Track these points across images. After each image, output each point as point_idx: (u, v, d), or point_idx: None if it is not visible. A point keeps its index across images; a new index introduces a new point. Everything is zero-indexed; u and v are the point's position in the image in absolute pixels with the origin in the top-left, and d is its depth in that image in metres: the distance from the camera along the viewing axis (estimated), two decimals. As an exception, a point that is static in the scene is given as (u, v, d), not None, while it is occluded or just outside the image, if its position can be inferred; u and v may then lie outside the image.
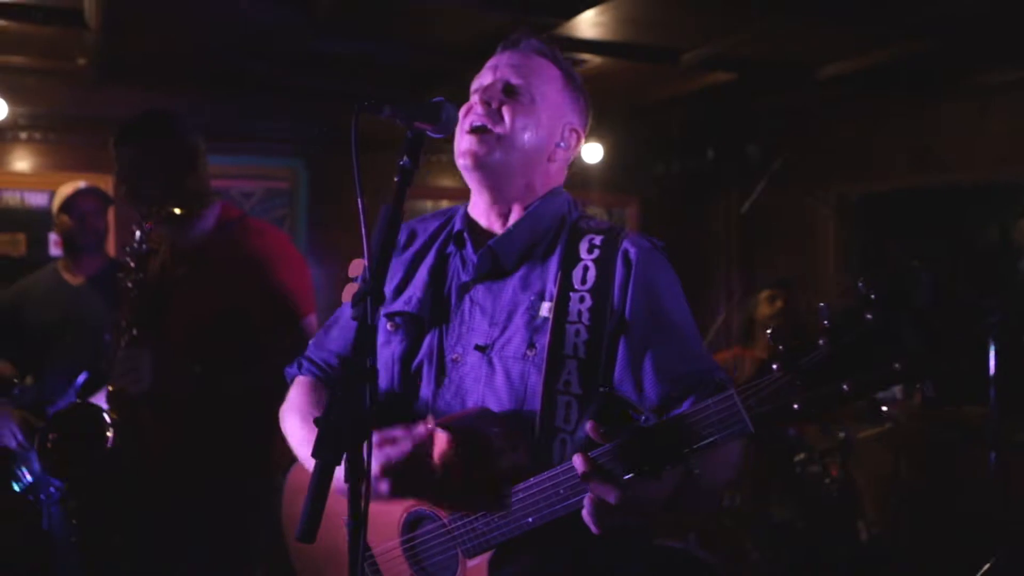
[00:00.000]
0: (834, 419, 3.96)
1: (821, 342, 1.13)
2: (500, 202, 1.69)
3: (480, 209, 1.72)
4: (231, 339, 2.48)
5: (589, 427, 1.31)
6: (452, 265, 1.72)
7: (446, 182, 6.12)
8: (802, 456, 3.90)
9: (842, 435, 3.89)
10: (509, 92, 1.66)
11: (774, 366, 1.16)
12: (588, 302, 1.55)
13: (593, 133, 5.46)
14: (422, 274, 1.72)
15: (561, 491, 1.36)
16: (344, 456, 1.29)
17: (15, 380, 2.45)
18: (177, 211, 2.48)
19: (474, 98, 1.67)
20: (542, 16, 3.93)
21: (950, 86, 5.01)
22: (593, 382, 1.52)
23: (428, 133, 1.56)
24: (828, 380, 1.12)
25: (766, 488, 4.00)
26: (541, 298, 1.59)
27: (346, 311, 1.84)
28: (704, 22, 4.21)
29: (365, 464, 1.30)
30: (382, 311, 1.72)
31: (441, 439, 1.48)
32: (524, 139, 1.64)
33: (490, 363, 1.58)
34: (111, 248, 4.34)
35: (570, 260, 1.60)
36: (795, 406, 1.16)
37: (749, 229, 6.28)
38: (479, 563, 1.47)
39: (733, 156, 5.67)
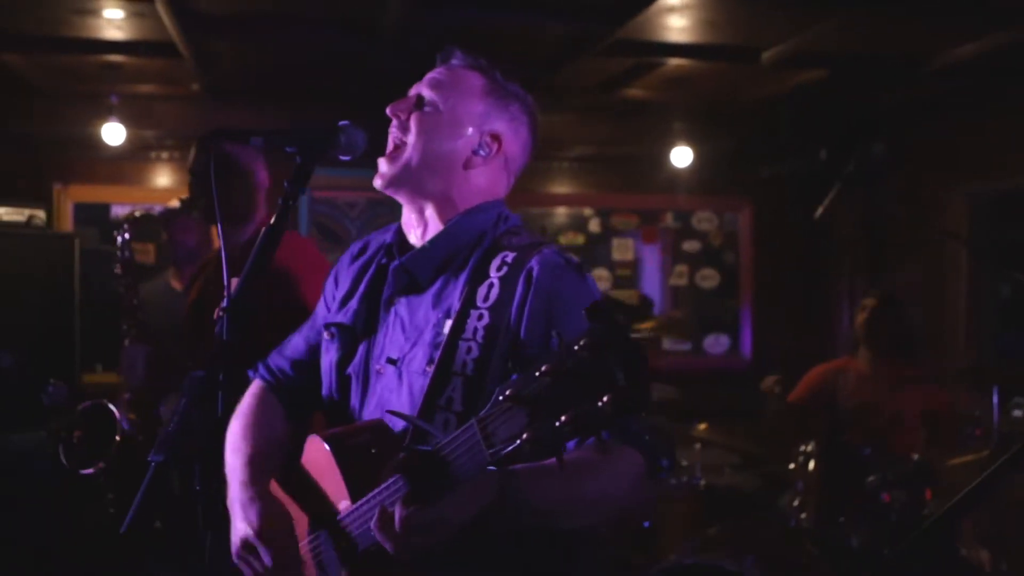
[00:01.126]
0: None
1: (539, 371, 1.11)
2: (419, 212, 1.70)
3: (407, 221, 1.74)
4: (250, 344, 2.65)
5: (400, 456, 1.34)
6: (385, 278, 1.75)
7: (559, 188, 6.17)
8: (873, 478, 3.64)
9: (916, 457, 3.60)
10: (419, 103, 1.68)
11: (500, 395, 1.14)
12: (485, 319, 1.53)
13: (682, 136, 5.38)
14: (362, 287, 1.77)
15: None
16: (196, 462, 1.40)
17: (51, 380, 2.74)
18: (138, 215, 2.65)
19: (388, 111, 1.71)
20: (598, 23, 3.91)
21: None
22: (478, 400, 1.49)
23: (339, 156, 1.63)
24: (548, 413, 1.10)
25: (834, 509, 3.76)
26: (447, 315, 1.59)
27: (314, 322, 1.90)
28: (783, 19, 4.03)
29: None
30: (327, 320, 1.80)
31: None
32: (430, 147, 1.65)
33: (399, 376, 1.62)
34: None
35: (478, 277, 1.59)
36: (522, 438, 1.12)
37: (875, 231, 5.90)
38: (347, 571, 1.52)
39: (848, 155, 5.35)
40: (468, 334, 1.52)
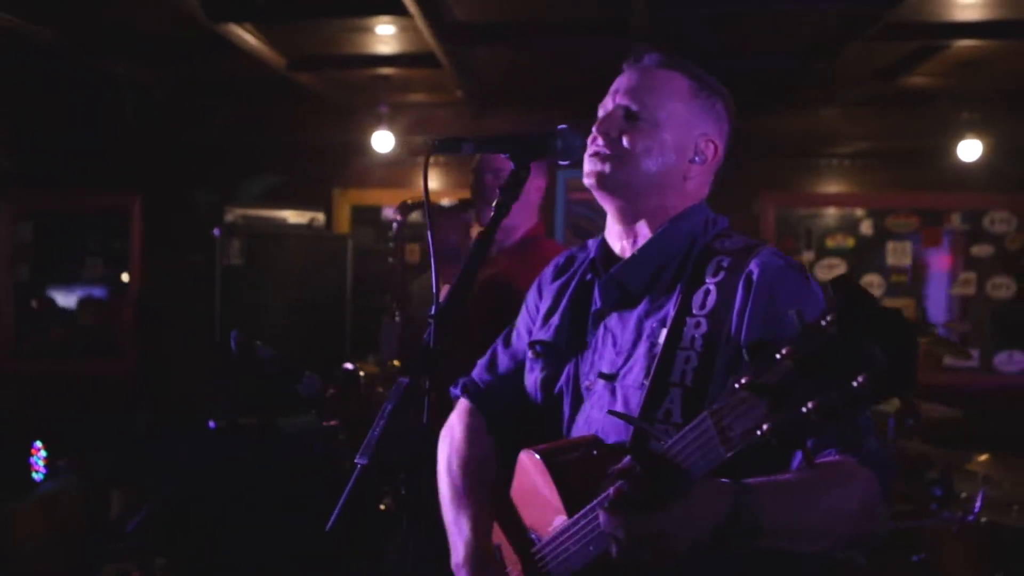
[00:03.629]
0: None
1: (780, 355, 1.01)
2: (629, 224, 1.64)
3: (613, 233, 1.69)
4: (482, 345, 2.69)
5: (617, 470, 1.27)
6: (590, 294, 1.71)
7: (828, 188, 5.76)
8: None
9: None
10: (630, 117, 1.61)
11: (735, 384, 1.05)
12: (703, 328, 1.47)
13: (971, 126, 4.83)
14: (564, 303, 1.75)
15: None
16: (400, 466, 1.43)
17: (306, 371, 2.91)
18: (411, 202, 2.81)
19: (595, 129, 1.63)
20: (872, 2, 3.56)
21: None
22: (698, 411, 1.42)
23: (559, 163, 1.60)
24: (792, 400, 0.99)
25: None
26: (662, 324, 1.53)
27: (519, 337, 1.88)
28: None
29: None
30: (532, 337, 1.78)
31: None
32: (649, 164, 1.59)
33: (612, 392, 1.57)
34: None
35: (693, 284, 1.53)
36: (762, 429, 1.03)
37: None
38: None
39: None
40: (686, 343, 1.46)
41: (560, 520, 1.46)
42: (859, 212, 5.71)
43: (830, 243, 5.72)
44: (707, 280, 1.51)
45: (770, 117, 5.41)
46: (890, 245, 5.68)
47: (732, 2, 3.48)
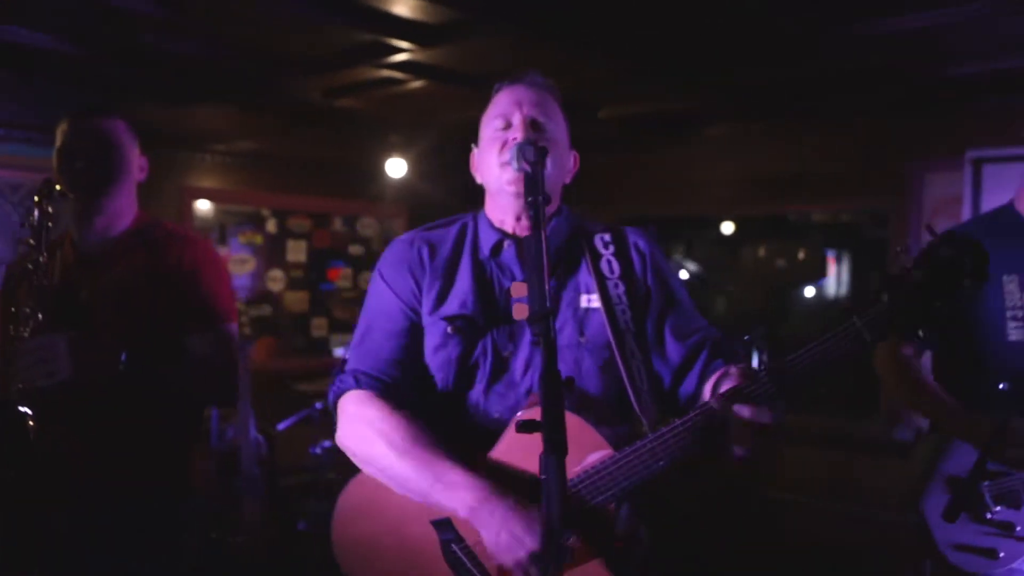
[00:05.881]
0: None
1: (915, 272, 1.54)
2: (524, 216, 1.87)
3: (505, 222, 1.90)
4: (151, 344, 2.34)
5: (736, 371, 1.61)
6: (490, 270, 1.88)
7: (235, 185, 5.90)
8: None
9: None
10: (537, 129, 1.84)
11: (884, 296, 1.56)
12: (621, 287, 1.86)
13: (400, 150, 5.62)
14: (465, 279, 1.87)
15: (696, 434, 1.59)
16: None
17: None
18: (59, 188, 2.29)
19: (512, 136, 1.83)
20: (399, 40, 4.06)
21: (684, 135, 5.94)
22: (644, 347, 1.84)
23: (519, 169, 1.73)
24: (923, 299, 1.54)
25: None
26: (579, 292, 1.86)
27: (376, 321, 1.89)
28: (514, 55, 4.58)
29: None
30: (437, 316, 1.84)
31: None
32: (553, 174, 1.84)
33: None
34: None
35: (595, 257, 1.88)
36: (890, 324, 1.53)
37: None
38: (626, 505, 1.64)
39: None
40: (615, 300, 1.84)
41: (596, 456, 1.66)
42: (265, 211, 6.07)
43: (242, 239, 5.94)
44: (602, 253, 1.89)
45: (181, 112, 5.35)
46: (290, 243, 6.20)
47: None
